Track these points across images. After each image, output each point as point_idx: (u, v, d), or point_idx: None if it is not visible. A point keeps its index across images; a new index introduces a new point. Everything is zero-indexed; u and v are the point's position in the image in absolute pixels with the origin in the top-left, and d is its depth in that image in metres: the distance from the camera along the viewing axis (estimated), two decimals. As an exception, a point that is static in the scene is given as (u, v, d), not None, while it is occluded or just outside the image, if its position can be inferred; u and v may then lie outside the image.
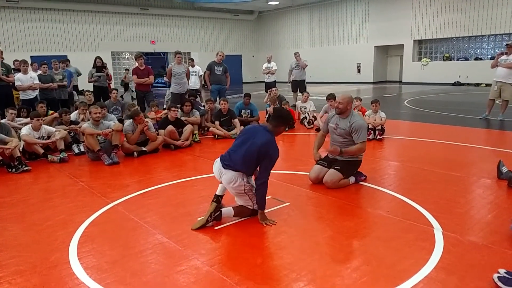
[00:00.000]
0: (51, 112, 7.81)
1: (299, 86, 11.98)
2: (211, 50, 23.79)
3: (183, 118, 7.35)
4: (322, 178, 4.47)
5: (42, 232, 3.51)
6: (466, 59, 19.94)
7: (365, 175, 4.69)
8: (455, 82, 19.63)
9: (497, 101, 9.01)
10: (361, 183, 4.58)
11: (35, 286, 2.61)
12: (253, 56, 29.14)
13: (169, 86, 9.80)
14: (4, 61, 8.76)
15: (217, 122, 7.88)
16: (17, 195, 4.65)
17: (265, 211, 3.64)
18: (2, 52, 8.20)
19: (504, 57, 8.55)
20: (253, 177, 3.66)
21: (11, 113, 7.00)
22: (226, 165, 3.55)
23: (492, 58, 15.25)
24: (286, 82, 12.87)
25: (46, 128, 6.41)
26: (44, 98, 8.70)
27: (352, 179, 4.55)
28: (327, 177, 4.39)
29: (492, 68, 8.84)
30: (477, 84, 18.51)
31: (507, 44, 8.66)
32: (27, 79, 8.51)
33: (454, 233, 3.19)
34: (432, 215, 3.55)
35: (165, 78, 11.87)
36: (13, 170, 5.58)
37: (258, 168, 3.58)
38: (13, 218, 3.89)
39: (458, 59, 20.34)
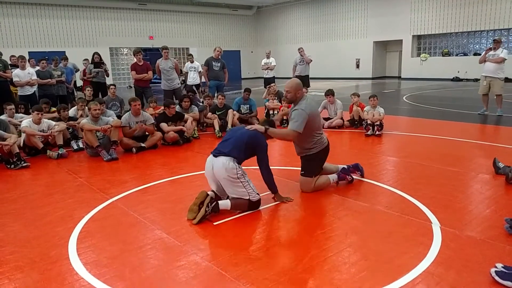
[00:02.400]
0: (53, 109, 7.79)
1: (302, 81, 11.94)
2: (210, 45, 23.69)
3: (181, 114, 7.36)
4: None
5: (41, 228, 3.52)
6: (465, 54, 19.93)
7: (352, 177, 4.45)
8: (454, 77, 19.63)
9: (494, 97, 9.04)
10: (360, 178, 4.58)
11: (34, 282, 2.62)
12: (251, 52, 29.07)
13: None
14: (1, 57, 8.74)
15: (211, 114, 7.94)
16: (16, 191, 4.65)
17: (263, 207, 3.72)
18: None
19: (491, 52, 8.67)
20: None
21: (10, 109, 6.98)
22: (216, 153, 3.67)
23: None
24: (287, 78, 12.80)
25: (46, 122, 6.40)
26: (43, 94, 8.68)
27: (333, 177, 4.32)
28: (300, 186, 4.22)
29: (480, 64, 8.99)
30: (476, 80, 18.49)
31: (494, 40, 8.79)
32: (25, 75, 8.48)
33: (452, 228, 3.20)
34: (430, 210, 3.57)
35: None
36: (12, 166, 5.58)
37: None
38: (13, 214, 3.90)
39: (457, 55, 20.33)
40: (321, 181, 4.23)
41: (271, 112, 9.11)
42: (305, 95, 4.23)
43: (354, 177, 4.49)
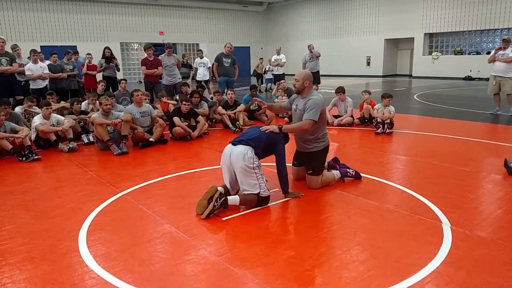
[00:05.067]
0: (62, 102, 7.86)
1: (313, 77, 11.83)
2: (220, 41, 23.72)
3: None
4: (302, 177, 4.39)
5: (52, 220, 3.56)
6: (478, 53, 19.67)
7: (355, 170, 4.49)
8: (466, 76, 19.40)
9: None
10: (369, 176, 4.55)
11: (45, 273, 2.65)
12: (261, 48, 29.01)
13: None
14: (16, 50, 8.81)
15: (222, 109, 7.93)
16: (28, 183, 4.71)
17: (272, 203, 3.75)
18: (5, 41, 8.18)
19: (501, 51, 8.62)
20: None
21: (29, 105, 7.07)
22: (236, 142, 3.72)
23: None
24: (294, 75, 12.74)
25: (55, 117, 6.49)
26: (54, 88, 8.74)
27: (336, 173, 4.38)
28: (309, 185, 4.23)
29: (490, 63, 8.92)
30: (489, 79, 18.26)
31: (503, 39, 8.74)
32: (37, 68, 8.55)
33: (462, 228, 3.17)
34: (440, 210, 3.53)
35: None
36: (24, 158, 5.65)
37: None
38: (24, 206, 3.95)
39: (469, 53, 20.08)
40: (326, 176, 4.30)
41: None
42: (313, 90, 4.29)
43: (350, 171, 4.47)
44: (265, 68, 16.11)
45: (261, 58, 18.22)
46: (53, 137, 6.23)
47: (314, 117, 3.98)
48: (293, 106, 4.32)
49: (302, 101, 4.15)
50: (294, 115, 4.31)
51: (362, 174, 4.52)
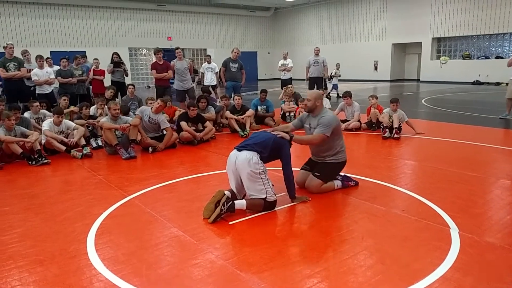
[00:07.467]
0: (72, 107, 7.94)
1: (317, 83, 11.80)
2: (227, 46, 23.82)
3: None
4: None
5: (61, 223, 3.60)
6: (487, 57, 19.52)
7: (356, 181, 4.44)
8: (474, 81, 19.24)
9: None
10: (376, 181, 4.54)
11: (54, 276, 2.68)
12: (268, 53, 29.07)
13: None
14: (26, 56, 8.93)
15: (230, 114, 7.92)
16: (37, 187, 4.77)
17: (279, 208, 3.75)
18: (13, 46, 8.27)
19: None
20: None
21: (36, 106, 7.13)
22: (241, 147, 3.73)
23: (513, 56, 14.87)
24: (303, 80, 12.71)
25: (66, 123, 6.49)
26: (64, 93, 8.84)
27: (337, 183, 4.33)
28: (307, 183, 4.24)
29: (509, 67, 8.77)
30: (498, 83, 18.10)
31: None
32: (44, 74, 8.63)
33: (470, 233, 3.15)
34: (448, 215, 3.51)
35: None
36: (33, 162, 5.71)
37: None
38: (33, 209, 3.99)
39: (478, 58, 19.92)
40: (327, 185, 4.25)
41: (287, 114, 9.10)
42: (325, 107, 4.35)
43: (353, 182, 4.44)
44: (331, 73, 14.75)
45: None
46: (62, 148, 6.11)
47: (326, 132, 4.07)
48: (306, 125, 4.37)
49: (315, 119, 4.22)
50: (308, 134, 4.34)
51: (369, 179, 4.55)
